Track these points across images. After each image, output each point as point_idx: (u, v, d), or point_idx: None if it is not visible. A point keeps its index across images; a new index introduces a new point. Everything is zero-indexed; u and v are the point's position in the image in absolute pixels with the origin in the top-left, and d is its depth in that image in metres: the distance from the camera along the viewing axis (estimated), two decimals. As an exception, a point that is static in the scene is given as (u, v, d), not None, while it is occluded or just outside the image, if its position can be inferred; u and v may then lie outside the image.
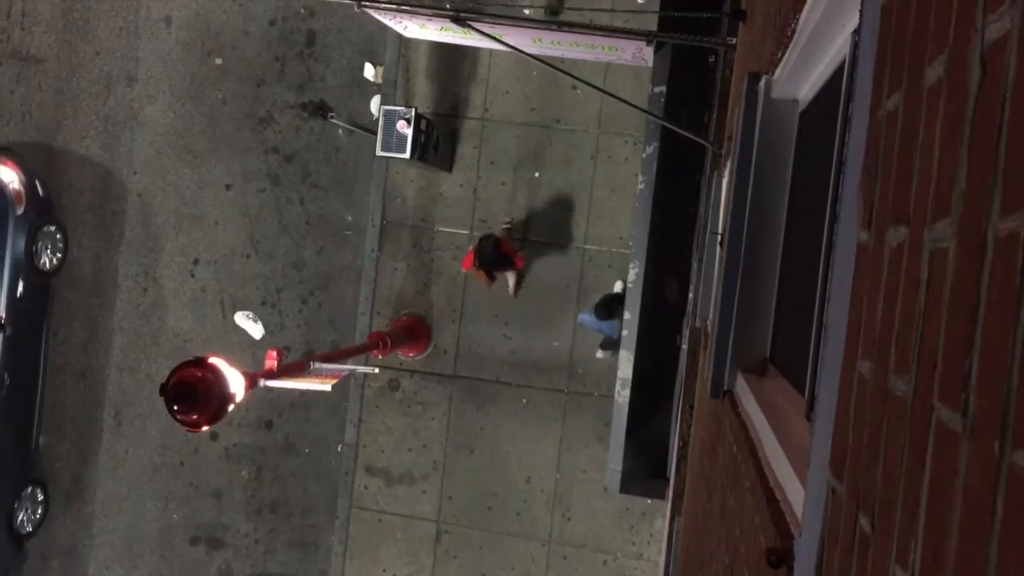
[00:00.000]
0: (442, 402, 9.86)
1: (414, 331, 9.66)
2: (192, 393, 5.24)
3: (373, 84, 9.95)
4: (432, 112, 9.58)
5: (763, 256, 3.49)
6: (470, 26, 6.53)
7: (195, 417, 5.28)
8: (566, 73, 7.03)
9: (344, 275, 10.11)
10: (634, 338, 7.81)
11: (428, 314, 9.84)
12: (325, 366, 6.84)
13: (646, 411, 7.91)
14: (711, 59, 7.42)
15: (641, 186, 7.87)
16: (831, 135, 2.48)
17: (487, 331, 9.71)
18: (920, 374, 0.97)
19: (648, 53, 7.11)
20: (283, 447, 10.29)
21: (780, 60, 3.16)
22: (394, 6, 7.13)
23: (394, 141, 8.73)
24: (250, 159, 10.20)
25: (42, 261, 10.03)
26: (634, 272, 7.86)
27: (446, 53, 9.47)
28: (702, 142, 6.87)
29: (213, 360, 5.41)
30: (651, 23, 7.68)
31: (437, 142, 9.24)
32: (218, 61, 10.24)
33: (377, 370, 9.30)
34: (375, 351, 8.91)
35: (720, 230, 4.97)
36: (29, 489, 10.28)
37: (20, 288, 9.76)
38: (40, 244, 9.97)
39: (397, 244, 9.91)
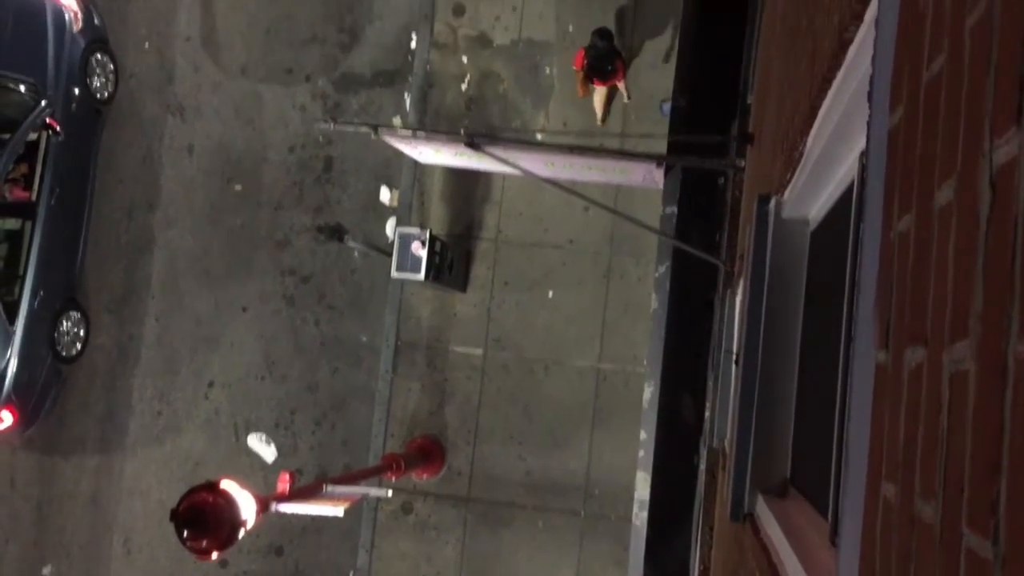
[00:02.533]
0: (456, 526, 9.66)
1: (428, 452, 9.55)
2: (203, 518, 5.16)
3: (389, 207, 10.14)
4: (447, 234, 9.72)
5: (779, 375, 3.46)
6: (484, 151, 6.68)
7: (205, 543, 5.19)
8: (578, 195, 7.15)
9: (358, 396, 10.08)
10: (651, 458, 7.70)
11: (442, 435, 9.75)
12: (338, 489, 6.74)
13: (665, 534, 7.72)
14: (721, 180, 7.54)
15: (654, 305, 7.90)
16: (843, 254, 2.50)
17: (502, 452, 9.60)
18: (947, 499, 0.95)
19: (659, 175, 7.24)
20: (293, 575, 10.05)
21: (789, 181, 3.21)
22: (409, 133, 7.32)
23: (409, 262, 8.83)
24: (267, 281, 10.32)
25: (95, 86, 10.38)
26: (649, 391, 7.80)
27: (460, 176, 9.67)
28: (714, 261, 6.92)
29: (224, 484, 5.35)
30: (661, 147, 7.84)
31: (451, 263, 9.34)
32: (238, 187, 10.47)
33: (390, 493, 9.16)
34: (388, 473, 8.79)
35: (735, 349, 4.96)
36: (67, 314, 10.23)
37: (74, 104, 10.11)
38: (92, 71, 10.33)
39: (411, 365, 9.90)
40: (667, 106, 8.72)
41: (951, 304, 0.99)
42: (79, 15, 10.23)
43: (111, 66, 10.62)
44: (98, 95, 10.45)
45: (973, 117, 0.95)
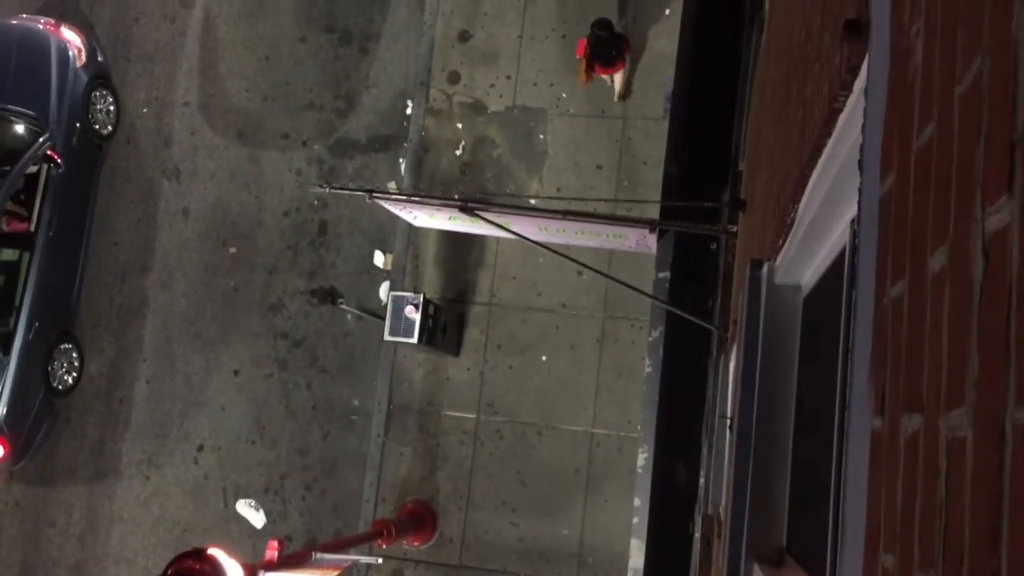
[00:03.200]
0: (448, 594, 9.49)
1: (419, 518, 9.43)
2: (189, 586, 5.06)
3: (383, 271, 10.16)
4: (440, 297, 9.73)
5: (774, 441, 3.44)
6: (478, 215, 6.72)
7: (191, 612, 5.08)
8: (572, 260, 7.17)
9: (349, 460, 9.97)
10: (645, 525, 7.60)
11: (434, 500, 9.63)
12: (327, 556, 6.64)
13: (660, 604, 7.58)
14: (713, 246, 7.58)
15: (648, 370, 7.87)
16: (837, 320, 2.50)
17: (494, 518, 9.47)
18: (947, 569, 0.93)
19: (652, 240, 7.27)
20: (281, 644, 9.83)
21: (781, 247, 3.22)
22: (404, 197, 7.37)
23: (402, 326, 8.82)
24: (259, 345, 10.28)
25: (97, 122, 10.54)
26: (643, 456, 7.73)
27: (454, 240, 9.71)
28: (707, 326, 6.92)
29: (212, 551, 5.26)
30: (653, 212, 7.90)
31: (445, 327, 9.33)
32: (232, 250, 10.50)
33: (380, 560, 9.01)
34: (379, 540, 8.66)
35: (729, 414, 4.93)
36: (63, 346, 10.22)
37: (75, 137, 10.23)
38: (95, 106, 10.52)
39: (403, 429, 9.82)
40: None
41: (946, 371, 0.98)
42: (83, 51, 10.45)
43: (112, 101, 10.79)
44: (99, 130, 10.59)
45: (964, 184, 0.96)
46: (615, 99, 9.67)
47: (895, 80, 1.38)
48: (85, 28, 10.82)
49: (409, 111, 10.30)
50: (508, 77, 10.08)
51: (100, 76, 10.64)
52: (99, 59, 10.69)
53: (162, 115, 10.89)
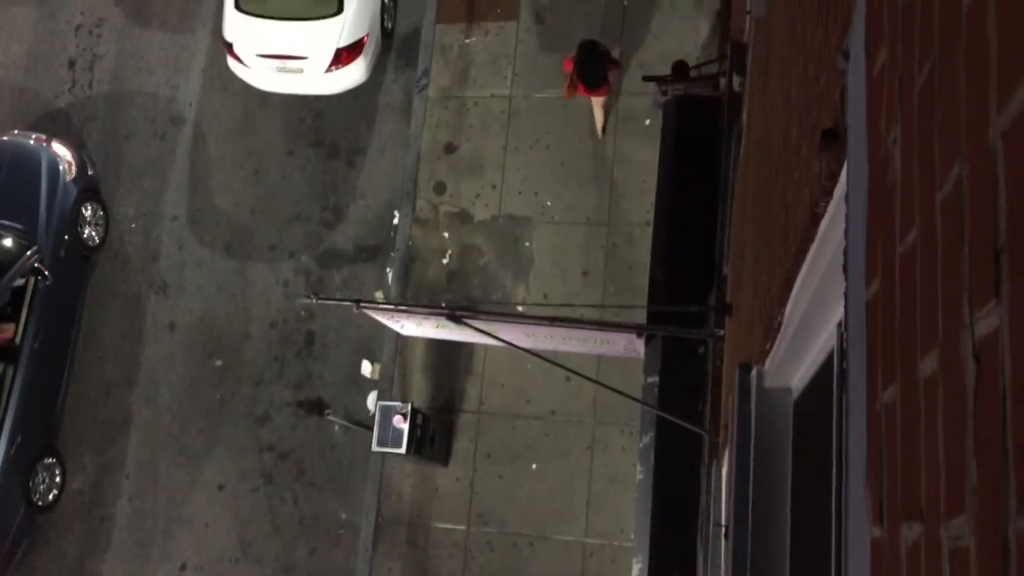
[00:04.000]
0: None
1: (409, 637, 9.13)
2: None
3: (370, 380, 10.09)
4: (428, 406, 9.64)
5: (771, 548, 3.37)
6: (465, 323, 6.72)
7: None
8: (560, 366, 7.15)
9: (337, 577, 9.70)
10: (643, 639, 7.36)
11: (424, 618, 9.34)
12: None
13: None
14: (701, 350, 7.57)
15: (640, 476, 7.76)
16: (829, 423, 2.48)
17: (486, 635, 9.18)
18: None
19: (639, 345, 7.27)
20: None
21: (769, 351, 3.22)
22: (391, 306, 7.38)
23: (390, 436, 8.72)
24: (245, 458, 10.12)
25: (86, 234, 10.61)
26: (637, 567, 7.56)
27: (442, 348, 9.68)
28: (698, 431, 6.86)
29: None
30: (640, 317, 7.92)
31: (433, 436, 9.22)
32: (218, 363, 10.43)
33: None
34: (368, 661, 8.37)
35: (724, 521, 4.84)
36: (46, 460, 10.01)
37: (63, 249, 10.27)
38: (84, 218, 10.60)
39: (392, 543, 9.60)
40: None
41: (944, 478, 0.97)
42: (73, 164, 10.61)
43: (102, 214, 10.92)
44: (88, 242, 10.68)
45: (951, 289, 0.96)
46: (599, 135, 9.89)
47: (875, 187, 1.40)
48: (76, 144, 11.00)
49: (396, 221, 10.41)
50: (493, 187, 10.23)
51: (90, 189, 10.78)
52: (89, 173, 10.84)
53: (151, 230, 10.97)
